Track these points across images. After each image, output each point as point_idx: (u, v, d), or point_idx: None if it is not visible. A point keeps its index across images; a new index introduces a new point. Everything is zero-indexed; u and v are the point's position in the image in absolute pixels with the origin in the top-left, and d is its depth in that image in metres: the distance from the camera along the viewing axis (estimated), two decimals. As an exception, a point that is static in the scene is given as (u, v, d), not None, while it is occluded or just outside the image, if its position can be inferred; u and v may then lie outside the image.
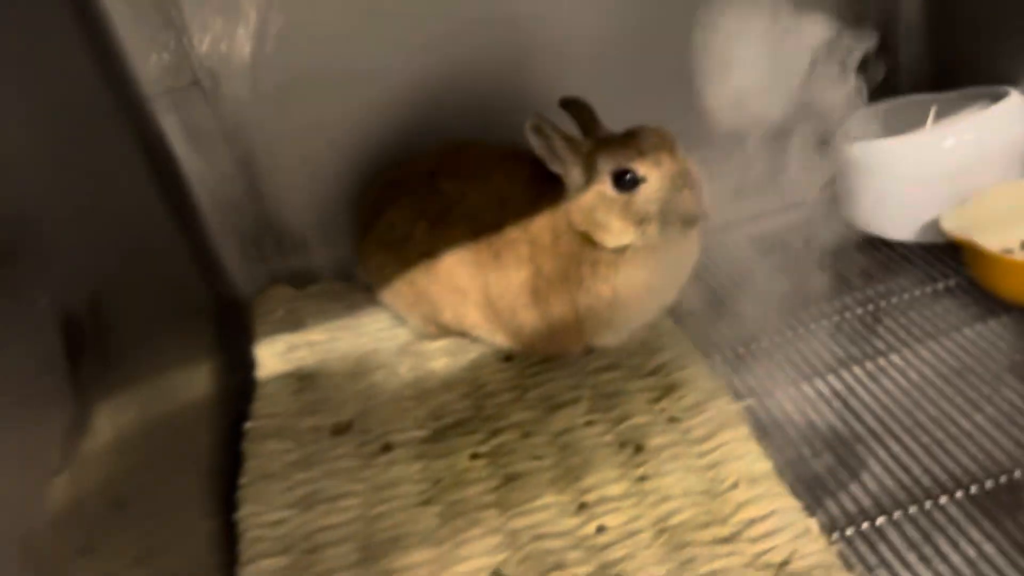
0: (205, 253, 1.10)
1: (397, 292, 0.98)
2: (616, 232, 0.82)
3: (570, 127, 0.87)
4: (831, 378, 0.90)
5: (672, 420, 0.84)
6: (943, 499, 0.73)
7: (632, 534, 0.73)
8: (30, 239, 0.63)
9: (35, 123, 0.71)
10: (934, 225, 0.99)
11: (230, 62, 1.02)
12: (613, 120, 0.89)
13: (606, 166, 0.81)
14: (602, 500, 0.77)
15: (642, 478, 0.78)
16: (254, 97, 1.04)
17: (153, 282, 0.91)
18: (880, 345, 0.93)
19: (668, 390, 0.87)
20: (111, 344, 0.72)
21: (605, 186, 0.81)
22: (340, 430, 0.92)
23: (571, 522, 0.75)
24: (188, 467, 0.85)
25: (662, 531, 0.72)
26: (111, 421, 0.68)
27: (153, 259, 0.94)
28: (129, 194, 0.93)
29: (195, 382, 0.95)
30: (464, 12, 1.05)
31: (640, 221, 0.81)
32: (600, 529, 0.74)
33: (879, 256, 1.06)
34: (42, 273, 0.62)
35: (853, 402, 0.87)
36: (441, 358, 1.00)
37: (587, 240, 0.84)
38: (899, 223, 1.05)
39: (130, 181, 0.94)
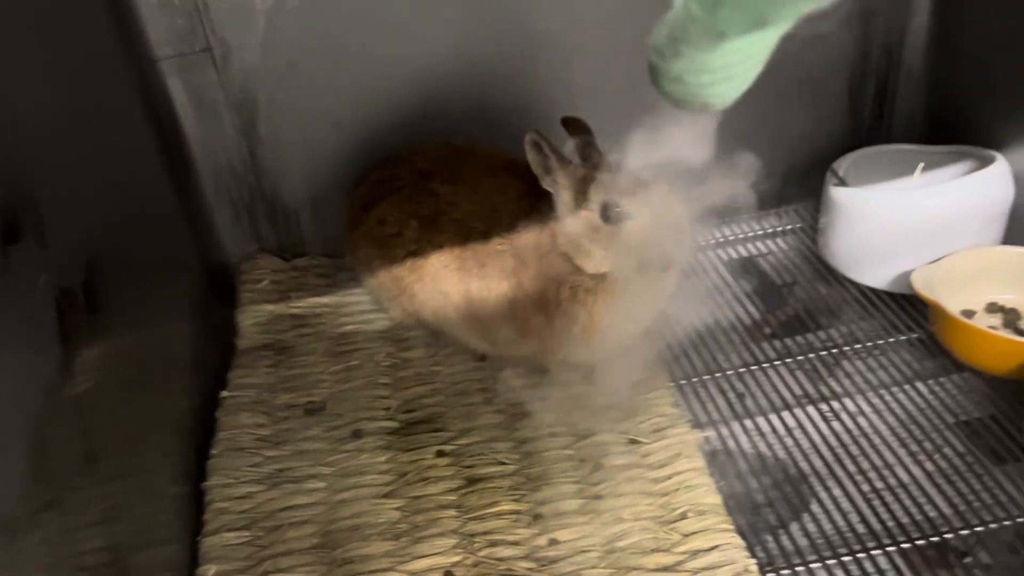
0: (198, 216, 1.11)
1: (381, 283, 1.00)
2: (596, 260, 0.86)
3: (570, 146, 0.90)
4: (786, 415, 0.94)
5: (633, 442, 0.87)
6: (876, 551, 0.78)
7: (581, 551, 0.77)
8: (33, 213, 0.64)
9: (39, 83, 0.72)
10: (906, 277, 1.03)
11: (244, 32, 1.02)
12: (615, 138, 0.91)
13: (597, 195, 0.84)
14: (557, 514, 0.81)
15: (597, 497, 0.82)
16: (264, 70, 1.05)
17: (145, 241, 0.93)
18: (837, 388, 0.97)
19: (633, 412, 0.91)
20: (99, 300, 0.74)
21: (593, 214, 0.84)
22: (313, 410, 0.95)
23: (525, 532, 0.79)
24: (163, 429, 0.87)
25: (610, 552, 0.77)
26: (92, 375, 0.70)
27: (147, 219, 0.95)
28: (129, 155, 0.94)
29: (177, 344, 0.97)
30: (481, 13, 1.06)
31: (620, 254, 0.84)
32: (552, 542, 0.78)
33: (850, 299, 1.10)
34: (44, 250, 0.64)
35: (804, 442, 0.91)
36: (418, 349, 1.03)
37: (570, 262, 0.87)
38: (873, 270, 1.09)
39: (131, 142, 0.95)
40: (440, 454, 0.88)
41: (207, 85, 1.04)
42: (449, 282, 0.93)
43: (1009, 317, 0.99)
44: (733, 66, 0.54)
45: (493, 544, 0.78)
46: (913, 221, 1.03)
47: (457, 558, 0.77)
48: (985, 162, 1.05)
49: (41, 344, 0.63)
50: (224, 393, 0.97)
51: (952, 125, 1.19)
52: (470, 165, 0.96)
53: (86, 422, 0.67)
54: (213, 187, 1.11)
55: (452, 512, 0.82)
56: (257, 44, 1.03)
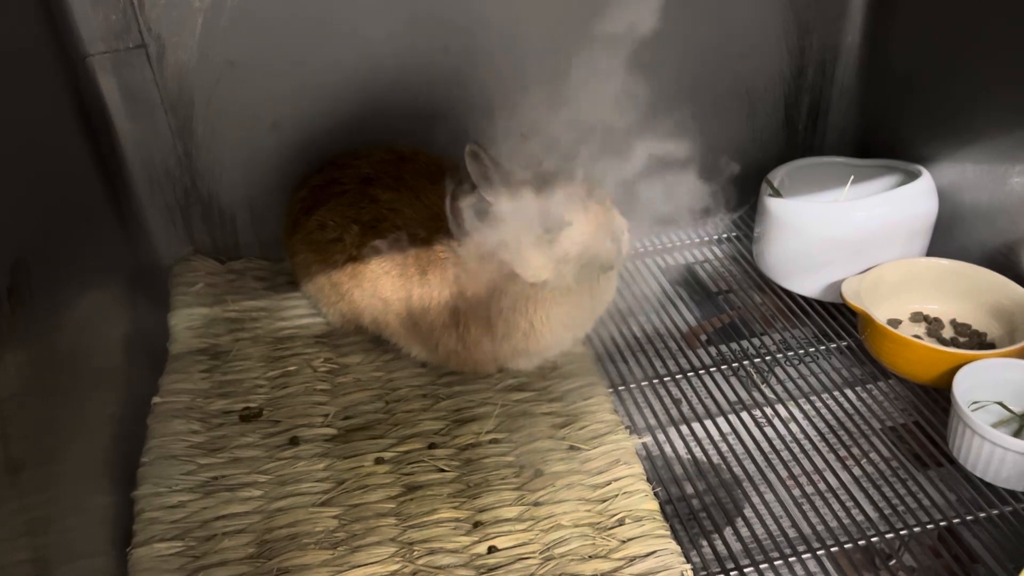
0: (130, 216, 1.08)
1: (320, 289, 0.99)
2: (535, 267, 0.86)
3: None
4: (721, 421, 0.96)
5: (572, 449, 0.88)
6: (806, 555, 0.80)
7: (520, 558, 0.77)
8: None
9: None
10: (836, 287, 1.06)
11: (180, 30, 1.00)
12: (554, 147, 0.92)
13: (536, 203, 0.84)
14: (496, 521, 0.81)
15: (537, 503, 0.82)
16: (201, 69, 1.02)
17: (73, 243, 0.90)
18: (770, 394, 1.00)
19: (572, 418, 0.92)
20: (23, 303, 0.71)
21: (532, 223, 0.84)
22: (249, 417, 0.93)
23: (464, 540, 0.79)
24: (91, 436, 0.84)
25: (549, 559, 0.77)
26: (15, 380, 0.67)
27: (76, 220, 0.93)
28: (57, 153, 0.91)
29: (106, 348, 0.94)
30: (425, 17, 1.06)
31: (559, 261, 0.84)
32: (491, 550, 0.78)
33: (782, 307, 1.13)
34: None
35: (738, 447, 0.93)
36: (357, 354, 1.02)
37: (511, 270, 0.87)
38: (804, 279, 1.12)
39: (59, 140, 0.92)
40: (379, 461, 0.87)
41: (141, 83, 1.01)
42: (390, 289, 0.93)
43: (933, 326, 1.03)
44: None
45: (432, 552, 0.78)
46: (843, 232, 1.06)
47: (396, 567, 0.76)
48: (911, 176, 1.09)
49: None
50: (156, 399, 0.95)
51: (881, 140, 1.24)
52: (413, 171, 0.95)
53: (8, 429, 0.65)
54: (147, 188, 1.08)
55: (391, 520, 0.81)
56: (194, 42, 1.01)
